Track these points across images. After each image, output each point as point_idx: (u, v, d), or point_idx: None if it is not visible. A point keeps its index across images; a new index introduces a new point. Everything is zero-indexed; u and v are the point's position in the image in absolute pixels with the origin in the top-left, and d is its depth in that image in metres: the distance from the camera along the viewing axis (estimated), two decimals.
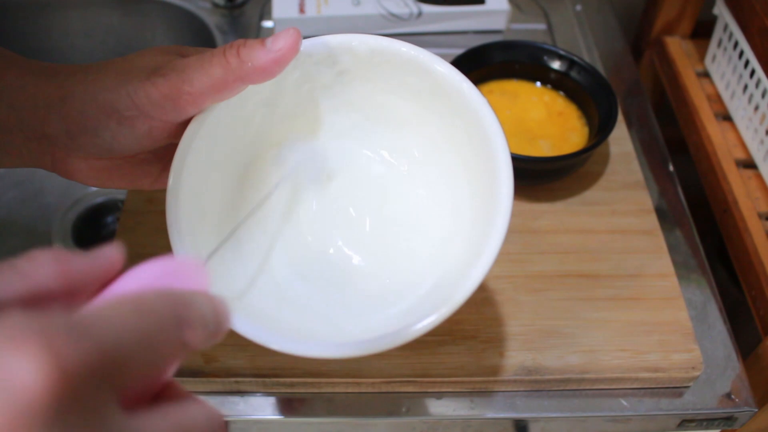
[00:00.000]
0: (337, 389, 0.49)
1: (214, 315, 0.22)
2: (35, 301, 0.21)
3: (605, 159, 0.63)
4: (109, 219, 0.72)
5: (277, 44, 0.32)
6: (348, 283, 0.41)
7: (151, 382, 0.22)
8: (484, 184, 0.37)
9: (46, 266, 0.21)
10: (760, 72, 0.62)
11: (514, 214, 0.58)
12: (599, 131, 0.58)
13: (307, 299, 0.40)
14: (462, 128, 0.38)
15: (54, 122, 0.34)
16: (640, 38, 0.83)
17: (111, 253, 0.24)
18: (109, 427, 0.17)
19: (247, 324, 0.33)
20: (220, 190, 0.39)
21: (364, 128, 0.42)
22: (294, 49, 0.32)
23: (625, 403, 0.49)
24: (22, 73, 0.35)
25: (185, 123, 0.35)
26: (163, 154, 0.37)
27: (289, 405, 0.49)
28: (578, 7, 0.81)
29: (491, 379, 0.49)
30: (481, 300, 0.52)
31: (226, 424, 0.22)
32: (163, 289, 0.22)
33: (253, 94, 0.36)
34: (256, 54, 0.32)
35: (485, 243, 0.34)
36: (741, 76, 0.66)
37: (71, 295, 0.22)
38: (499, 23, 0.76)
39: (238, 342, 0.49)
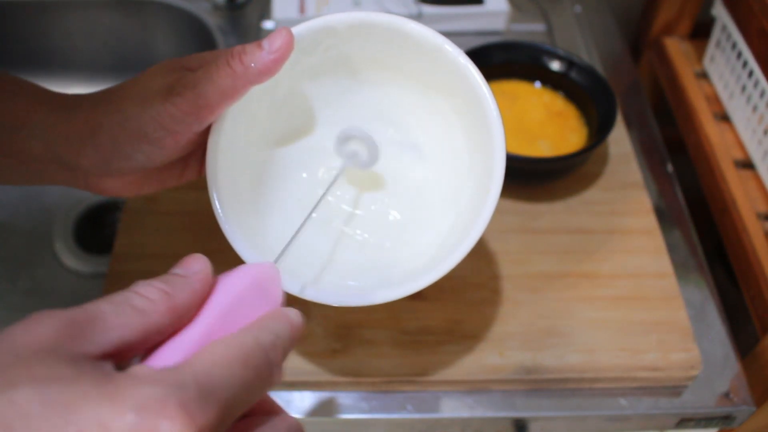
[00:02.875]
0: (337, 389, 0.49)
1: (291, 337, 0.27)
2: (151, 337, 0.24)
3: (604, 159, 0.63)
4: (110, 219, 0.72)
5: (274, 45, 0.34)
6: (359, 253, 0.43)
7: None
8: (479, 136, 0.39)
9: (158, 304, 0.24)
10: (758, 72, 0.62)
11: (514, 214, 0.59)
12: (598, 132, 0.58)
13: (326, 258, 0.42)
14: (449, 86, 0.40)
15: (88, 154, 0.37)
16: (639, 39, 0.83)
17: (202, 270, 0.27)
18: None
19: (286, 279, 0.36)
20: (249, 179, 0.42)
21: (359, 93, 0.43)
22: (290, 47, 0.35)
23: (623, 402, 0.50)
24: (51, 110, 0.37)
25: (207, 129, 0.37)
26: (184, 156, 0.40)
27: (289, 405, 0.49)
28: (577, 8, 0.81)
29: (491, 378, 0.49)
30: (481, 300, 0.52)
31: None
32: (258, 336, 0.25)
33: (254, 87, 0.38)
34: (258, 57, 0.34)
35: (486, 195, 0.37)
36: (739, 76, 0.66)
37: (178, 323, 0.25)
38: (499, 24, 0.77)
39: None
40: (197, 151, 0.40)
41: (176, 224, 0.56)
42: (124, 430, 0.19)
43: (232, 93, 0.35)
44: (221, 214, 0.38)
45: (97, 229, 0.71)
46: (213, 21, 0.77)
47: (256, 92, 0.37)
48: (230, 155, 0.39)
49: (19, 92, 0.38)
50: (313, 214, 0.40)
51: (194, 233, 0.55)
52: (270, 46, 0.34)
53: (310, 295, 0.37)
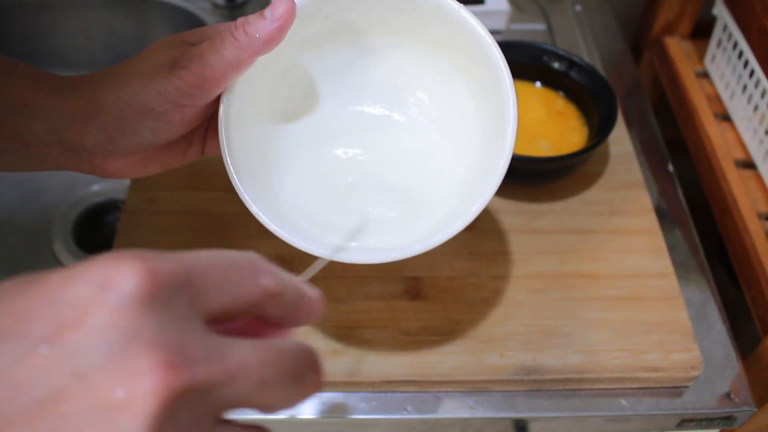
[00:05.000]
0: (337, 389, 0.49)
1: (293, 282, 0.25)
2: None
3: (605, 159, 0.63)
4: (110, 219, 0.72)
5: (276, 13, 0.34)
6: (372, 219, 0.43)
7: (240, 319, 0.24)
8: (485, 91, 0.40)
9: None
10: (759, 72, 0.62)
11: (514, 214, 0.59)
12: (599, 131, 0.58)
13: (336, 222, 0.42)
14: (452, 44, 0.40)
15: (94, 133, 0.37)
16: (639, 38, 0.83)
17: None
18: (191, 332, 0.21)
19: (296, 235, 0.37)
20: (260, 153, 0.42)
21: (359, 60, 0.44)
22: (293, 14, 0.35)
23: (624, 402, 0.49)
24: (52, 91, 0.37)
25: (213, 103, 0.37)
26: (187, 134, 0.40)
27: None
28: (578, 8, 0.81)
29: (491, 378, 0.49)
30: (482, 300, 0.52)
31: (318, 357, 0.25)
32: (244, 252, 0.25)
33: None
34: (261, 27, 0.34)
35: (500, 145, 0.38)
36: (740, 76, 0.66)
37: None
38: (499, 23, 0.76)
39: None
40: (200, 128, 0.40)
41: (176, 224, 0.56)
42: (80, 281, 0.20)
43: (238, 64, 0.35)
44: (240, 187, 0.38)
45: (96, 229, 0.71)
46: (212, 20, 0.77)
47: (258, 66, 0.37)
48: (240, 130, 0.39)
49: (18, 74, 0.38)
50: (322, 178, 0.41)
51: (194, 233, 0.55)
52: (272, 14, 0.34)
53: (320, 252, 0.37)
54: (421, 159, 0.44)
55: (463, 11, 0.38)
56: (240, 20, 0.35)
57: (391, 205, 0.43)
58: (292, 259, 0.51)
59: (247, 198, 0.38)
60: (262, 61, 0.36)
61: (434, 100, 0.44)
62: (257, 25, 0.34)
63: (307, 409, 0.48)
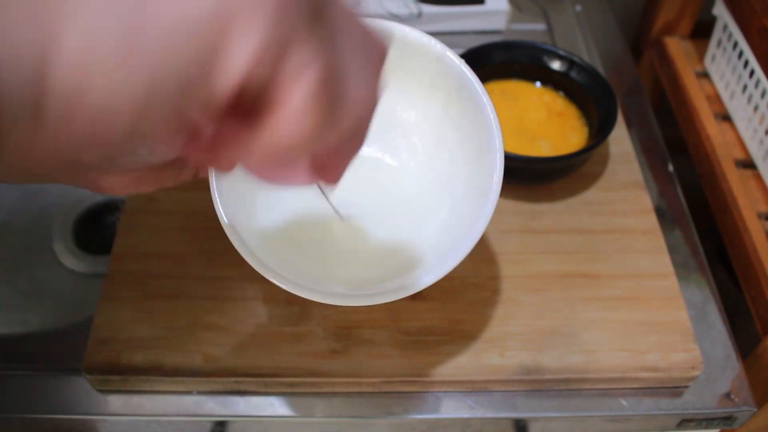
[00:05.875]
0: (337, 389, 0.49)
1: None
2: None
3: (605, 159, 0.63)
4: (110, 219, 0.72)
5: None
6: (345, 254, 0.43)
7: None
8: (471, 127, 0.40)
9: None
10: (759, 72, 0.62)
11: (514, 214, 0.59)
12: (599, 131, 0.58)
13: (320, 257, 0.42)
14: (447, 92, 0.41)
15: (91, 149, 0.36)
16: (639, 38, 0.83)
17: None
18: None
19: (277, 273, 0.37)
20: (249, 180, 0.42)
21: None
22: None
23: (624, 402, 0.49)
24: None
25: None
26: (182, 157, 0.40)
27: (289, 405, 0.49)
28: (578, 8, 0.81)
29: (491, 378, 0.49)
30: (481, 300, 0.52)
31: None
32: None
33: None
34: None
35: (488, 184, 0.38)
36: (740, 76, 0.66)
37: None
38: (499, 23, 0.76)
39: (238, 342, 0.49)
40: None
41: (176, 224, 0.56)
42: None
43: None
44: (224, 217, 0.39)
45: (96, 229, 0.71)
46: None
47: None
48: None
49: None
50: (308, 215, 0.40)
51: (193, 233, 0.55)
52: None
53: (307, 294, 0.37)
54: (408, 203, 0.44)
55: (463, 66, 0.38)
56: None
57: (375, 248, 0.43)
58: None
59: (227, 223, 0.39)
60: None
61: (426, 145, 0.44)
62: None
63: (307, 409, 0.49)
